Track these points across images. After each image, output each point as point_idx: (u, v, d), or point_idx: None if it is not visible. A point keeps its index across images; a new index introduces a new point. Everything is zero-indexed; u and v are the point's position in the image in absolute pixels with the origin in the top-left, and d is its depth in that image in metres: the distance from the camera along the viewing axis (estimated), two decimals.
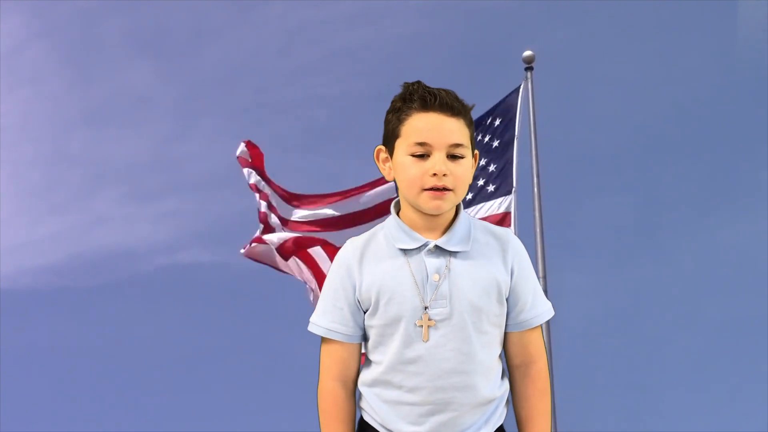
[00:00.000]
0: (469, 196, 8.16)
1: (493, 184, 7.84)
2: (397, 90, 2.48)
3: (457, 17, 14.75)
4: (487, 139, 8.62)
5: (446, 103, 2.41)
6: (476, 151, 2.50)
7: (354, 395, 2.51)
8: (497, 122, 8.28)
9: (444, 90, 2.44)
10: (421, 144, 2.41)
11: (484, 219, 7.95)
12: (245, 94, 14.98)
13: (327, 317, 2.47)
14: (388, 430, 2.42)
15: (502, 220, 7.75)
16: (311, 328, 2.50)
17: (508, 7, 14.35)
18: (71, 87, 15.38)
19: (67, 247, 14.17)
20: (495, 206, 7.82)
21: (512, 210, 7.68)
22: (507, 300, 2.46)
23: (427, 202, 2.41)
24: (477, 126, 8.68)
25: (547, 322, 2.64)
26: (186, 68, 15.35)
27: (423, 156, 2.41)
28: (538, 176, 8.21)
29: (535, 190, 8.15)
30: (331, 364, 2.48)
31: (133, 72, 15.33)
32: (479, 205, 7.97)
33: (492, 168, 8.23)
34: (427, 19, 15.08)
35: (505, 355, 2.51)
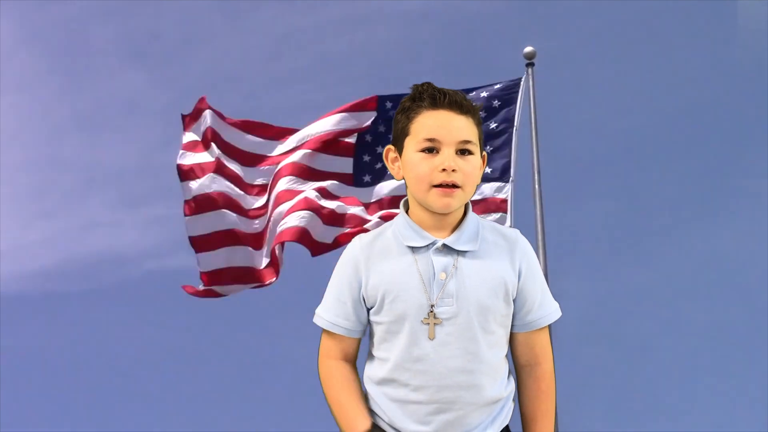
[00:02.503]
0: None
1: (489, 167, 7.79)
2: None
3: (445, 23, 14.80)
4: (482, 115, 8.44)
5: (456, 101, 2.45)
6: (485, 153, 2.52)
7: (356, 370, 2.55)
8: (495, 103, 8.22)
9: (452, 90, 2.47)
10: (431, 140, 2.43)
11: (480, 200, 7.90)
12: (234, 100, 14.99)
13: (331, 311, 2.51)
14: (394, 429, 2.44)
15: (498, 206, 7.66)
16: (316, 319, 2.55)
17: (497, 13, 14.41)
18: (61, 93, 15.36)
19: (57, 251, 14.16)
20: (492, 189, 7.76)
21: (509, 200, 7.66)
22: (514, 300, 2.47)
23: (437, 200, 2.43)
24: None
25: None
26: (175, 74, 15.35)
27: (432, 152, 2.43)
28: (539, 173, 8.17)
29: (536, 186, 8.07)
30: (332, 347, 2.53)
31: (123, 78, 15.33)
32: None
33: (489, 148, 8.15)
34: (416, 26, 15.13)
35: (511, 355, 2.53)
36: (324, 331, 2.54)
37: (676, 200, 12.98)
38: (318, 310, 2.55)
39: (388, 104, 8.22)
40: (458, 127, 2.44)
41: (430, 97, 2.45)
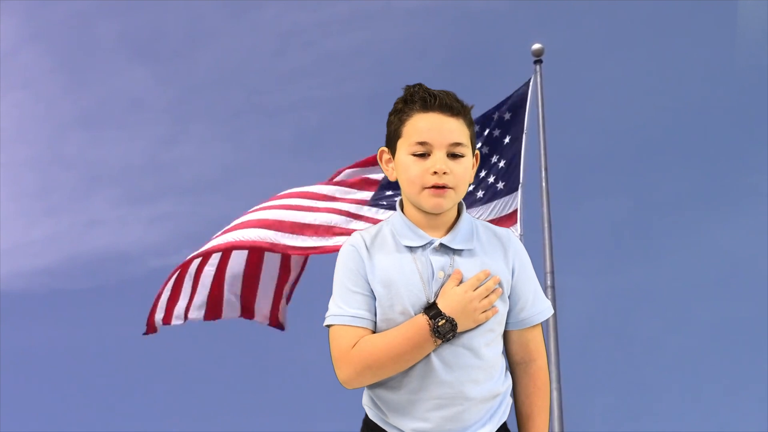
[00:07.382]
0: (480, 194, 8.06)
1: (502, 181, 7.77)
2: (390, 92, 2.56)
3: (450, 20, 14.79)
4: (497, 133, 8.47)
5: (446, 103, 2.48)
6: (477, 151, 2.55)
7: None
8: (507, 116, 8.21)
9: (444, 91, 2.50)
10: (422, 143, 2.46)
11: (494, 219, 7.84)
12: (238, 97, 15.00)
13: (350, 305, 2.45)
14: (394, 426, 2.45)
15: (509, 218, 7.61)
16: (332, 320, 2.46)
17: (501, 10, 14.39)
18: (66, 90, 15.38)
19: (61, 249, 14.17)
20: (503, 205, 7.72)
21: (518, 206, 7.62)
22: (508, 298, 2.50)
23: (428, 200, 2.46)
24: (486, 120, 8.48)
25: (554, 323, 2.67)
26: (180, 71, 15.35)
27: (424, 155, 2.47)
28: (546, 171, 8.18)
29: (543, 185, 8.09)
30: (351, 341, 2.43)
31: (128, 75, 15.34)
32: (491, 204, 7.79)
33: (502, 164, 8.17)
34: (420, 23, 15.12)
35: (506, 353, 2.55)
36: (336, 332, 2.46)
37: (682, 198, 12.96)
38: (332, 311, 2.47)
39: None
40: (449, 129, 2.47)
41: (421, 99, 2.49)
